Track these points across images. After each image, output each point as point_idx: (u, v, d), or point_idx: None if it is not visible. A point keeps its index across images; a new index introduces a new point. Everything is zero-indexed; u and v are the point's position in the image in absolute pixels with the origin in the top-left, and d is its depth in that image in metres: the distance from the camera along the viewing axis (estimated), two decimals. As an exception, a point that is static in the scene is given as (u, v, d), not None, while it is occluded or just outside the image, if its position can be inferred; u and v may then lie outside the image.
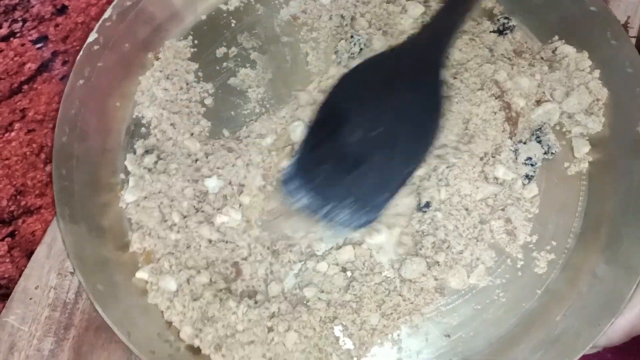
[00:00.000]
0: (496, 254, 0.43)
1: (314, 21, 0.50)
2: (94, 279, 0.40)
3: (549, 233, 0.43)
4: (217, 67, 0.49)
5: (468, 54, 0.47)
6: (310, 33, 0.49)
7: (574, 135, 0.46)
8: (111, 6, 0.46)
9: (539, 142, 0.45)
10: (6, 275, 0.48)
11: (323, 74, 0.48)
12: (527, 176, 0.44)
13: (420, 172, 0.44)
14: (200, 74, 0.49)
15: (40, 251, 0.47)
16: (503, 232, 0.43)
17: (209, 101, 0.48)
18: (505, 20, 0.49)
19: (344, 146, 0.41)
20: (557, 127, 0.46)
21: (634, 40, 0.50)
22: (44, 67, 0.48)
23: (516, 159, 0.45)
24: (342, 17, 0.49)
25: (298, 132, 0.45)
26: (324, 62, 0.48)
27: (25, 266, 0.47)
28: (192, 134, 0.46)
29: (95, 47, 0.45)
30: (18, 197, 0.48)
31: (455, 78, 0.46)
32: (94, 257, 0.42)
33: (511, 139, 0.45)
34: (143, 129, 0.47)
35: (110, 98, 0.47)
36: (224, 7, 0.51)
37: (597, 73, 0.46)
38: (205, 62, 0.49)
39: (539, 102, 0.46)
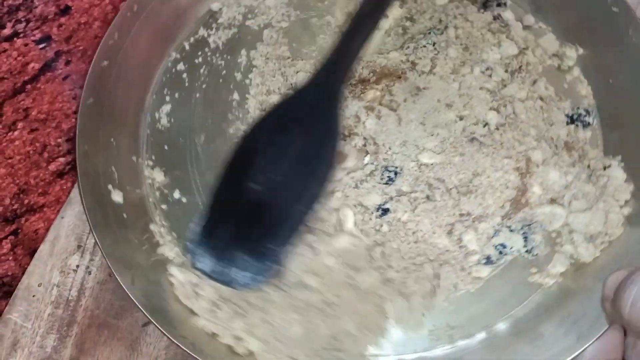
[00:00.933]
0: (404, 299, 0.42)
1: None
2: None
3: (462, 317, 0.42)
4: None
5: (528, 118, 0.46)
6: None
7: (562, 251, 0.43)
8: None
9: (525, 239, 0.43)
10: (9, 273, 0.48)
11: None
12: (488, 258, 0.43)
13: (404, 186, 0.44)
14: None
15: (43, 249, 0.48)
16: (427, 281, 0.42)
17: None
18: (584, 113, 0.47)
19: (243, 199, 0.41)
20: (553, 235, 0.43)
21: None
22: (47, 66, 0.49)
23: (491, 237, 0.43)
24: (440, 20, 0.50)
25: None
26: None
27: (28, 264, 0.47)
28: None
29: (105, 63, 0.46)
30: (21, 195, 0.49)
31: (497, 129, 0.45)
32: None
33: (502, 219, 0.44)
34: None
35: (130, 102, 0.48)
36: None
37: (627, 210, 0.42)
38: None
39: (552, 201, 0.44)
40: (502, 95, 0.47)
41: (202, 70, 0.50)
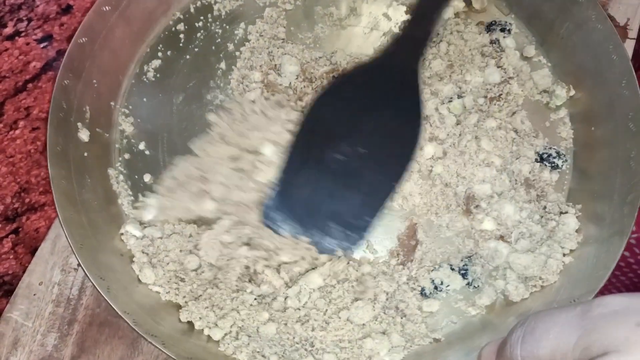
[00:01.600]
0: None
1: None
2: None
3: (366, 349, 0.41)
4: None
5: (496, 147, 0.45)
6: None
7: (493, 284, 0.43)
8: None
9: (464, 276, 0.43)
10: (10, 272, 0.48)
11: None
12: (422, 290, 0.43)
13: None
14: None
15: (44, 248, 0.48)
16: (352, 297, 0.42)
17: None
18: (555, 155, 0.46)
19: (325, 168, 0.42)
20: (494, 272, 0.43)
21: (633, 42, 0.50)
22: (48, 65, 0.49)
23: (431, 270, 0.43)
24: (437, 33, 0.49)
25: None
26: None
27: (29, 262, 0.47)
28: None
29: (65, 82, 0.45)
30: (22, 194, 0.49)
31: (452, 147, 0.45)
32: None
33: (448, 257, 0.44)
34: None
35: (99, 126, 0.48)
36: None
37: (568, 260, 0.42)
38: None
39: (501, 238, 0.43)
40: (465, 124, 0.46)
41: (199, 35, 0.51)
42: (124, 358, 0.44)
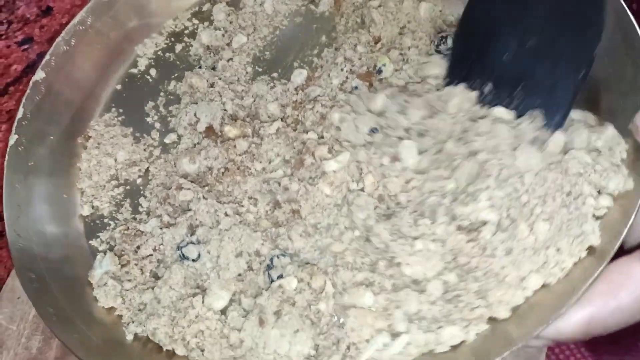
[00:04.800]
0: None
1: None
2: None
3: None
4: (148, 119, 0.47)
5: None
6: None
7: None
8: (22, 102, 0.43)
9: None
10: (-5, 275, 0.48)
11: None
12: None
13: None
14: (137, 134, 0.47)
15: (28, 251, 0.48)
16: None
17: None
18: None
19: (498, 68, 0.37)
20: None
21: None
22: (29, 68, 0.49)
23: None
24: None
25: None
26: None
27: (13, 266, 0.47)
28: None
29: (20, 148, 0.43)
30: (6, 197, 0.49)
31: None
32: None
33: None
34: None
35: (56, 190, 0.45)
36: (135, 71, 0.49)
37: None
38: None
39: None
40: None
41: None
42: None
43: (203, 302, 0.38)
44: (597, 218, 0.34)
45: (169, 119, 0.47)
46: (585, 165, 0.34)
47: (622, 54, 0.36)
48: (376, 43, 0.46)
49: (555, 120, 0.35)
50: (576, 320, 0.30)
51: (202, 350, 0.36)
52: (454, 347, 0.33)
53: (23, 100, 0.43)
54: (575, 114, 0.37)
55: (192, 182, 0.42)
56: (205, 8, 0.51)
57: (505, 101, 0.37)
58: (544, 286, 0.33)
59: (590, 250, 0.33)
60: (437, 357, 0.33)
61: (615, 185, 0.34)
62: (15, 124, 0.43)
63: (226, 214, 0.41)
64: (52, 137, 0.45)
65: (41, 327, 0.45)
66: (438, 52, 0.43)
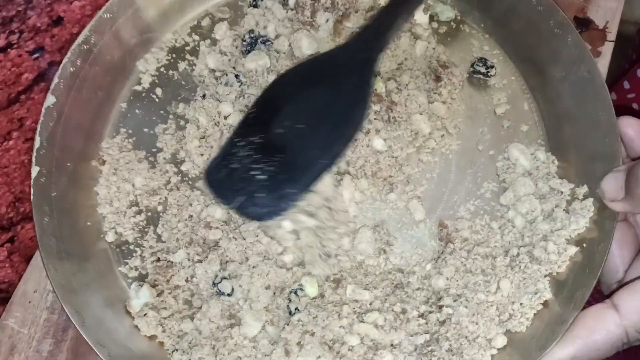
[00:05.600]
0: None
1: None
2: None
3: None
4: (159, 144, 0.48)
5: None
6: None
7: None
8: (37, 130, 0.44)
9: None
10: (6, 280, 0.49)
11: None
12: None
13: None
14: (151, 158, 0.48)
15: (38, 256, 0.48)
16: None
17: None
18: None
19: (265, 137, 0.41)
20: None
21: (612, 45, 0.51)
22: (40, 77, 0.50)
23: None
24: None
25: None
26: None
27: (24, 270, 0.48)
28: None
29: (42, 180, 0.43)
30: (17, 204, 0.50)
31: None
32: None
33: None
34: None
35: (80, 218, 0.45)
36: (139, 88, 0.50)
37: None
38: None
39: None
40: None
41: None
42: (119, 363, 0.45)
43: (239, 332, 0.41)
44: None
45: (181, 145, 0.48)
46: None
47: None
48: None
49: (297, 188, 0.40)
50: (560, 358, 0.36)
51: None
52: None
53: (38, 128, 0.43)
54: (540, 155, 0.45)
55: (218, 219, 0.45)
56: (204, 23, 0.52)
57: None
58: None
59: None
60: None
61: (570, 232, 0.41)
62: (34, 154, 0.43)
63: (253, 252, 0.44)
64: (69, 164, 0.45)
65: (52, 330, 0.46)
66: None
